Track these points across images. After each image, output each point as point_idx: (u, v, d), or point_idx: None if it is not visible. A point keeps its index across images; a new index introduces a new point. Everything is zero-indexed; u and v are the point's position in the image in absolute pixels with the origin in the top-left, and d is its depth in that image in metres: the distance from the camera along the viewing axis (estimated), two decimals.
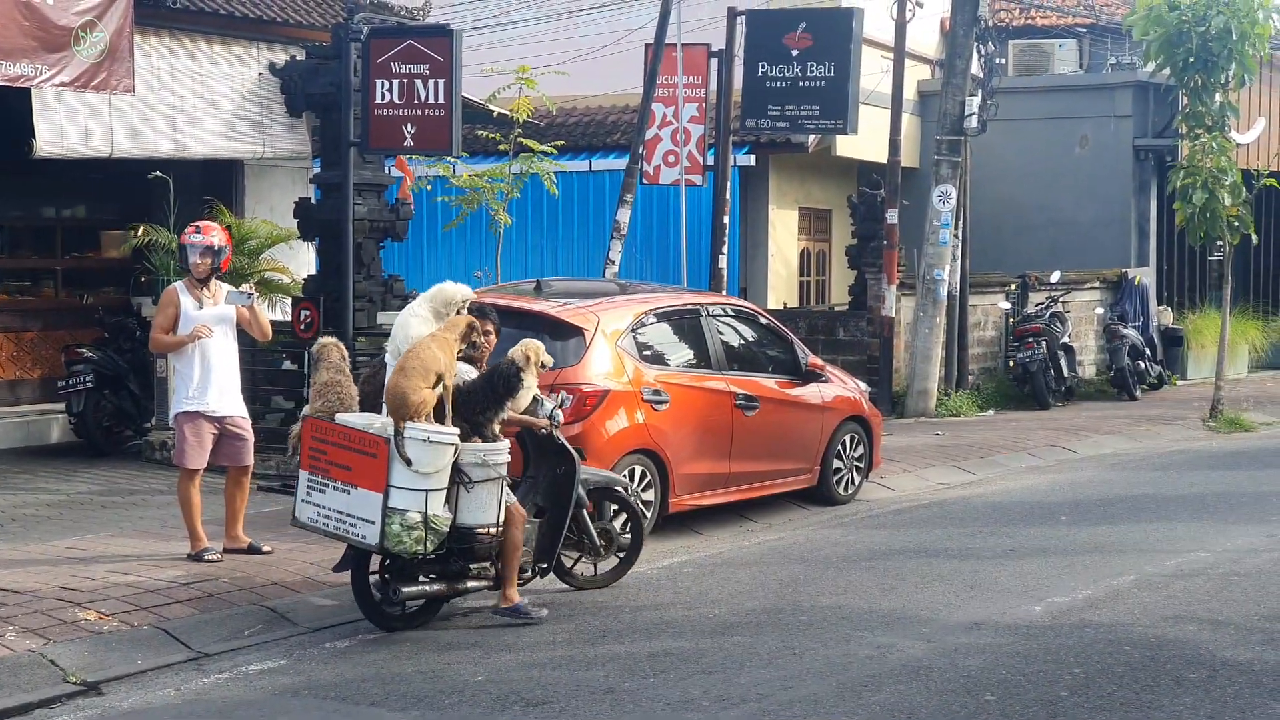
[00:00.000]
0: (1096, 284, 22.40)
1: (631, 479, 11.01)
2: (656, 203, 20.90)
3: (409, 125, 12.60)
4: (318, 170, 14.67)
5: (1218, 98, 18.49)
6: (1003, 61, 22.88)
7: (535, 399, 9.14)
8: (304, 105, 14.30)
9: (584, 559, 9.81)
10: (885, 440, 14.77)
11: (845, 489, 13.13)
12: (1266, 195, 20.26)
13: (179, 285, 10.08)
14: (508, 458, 8.76)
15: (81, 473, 13.64)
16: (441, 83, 12.39)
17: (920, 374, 18.90)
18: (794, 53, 17.64)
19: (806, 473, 12.78)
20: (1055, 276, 21.17)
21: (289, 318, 13.97)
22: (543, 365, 8.97)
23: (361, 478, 8.44)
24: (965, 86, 18.95)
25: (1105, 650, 8.23)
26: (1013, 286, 21.12)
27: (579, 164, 21.73)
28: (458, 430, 8.52)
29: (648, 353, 11.58)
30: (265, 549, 10.01)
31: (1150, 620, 8.88)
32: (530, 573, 9.34)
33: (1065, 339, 20.55)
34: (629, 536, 9.94)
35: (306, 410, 9.00)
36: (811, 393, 12.78)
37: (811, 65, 17.68)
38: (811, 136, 20.73)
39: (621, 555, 9.92)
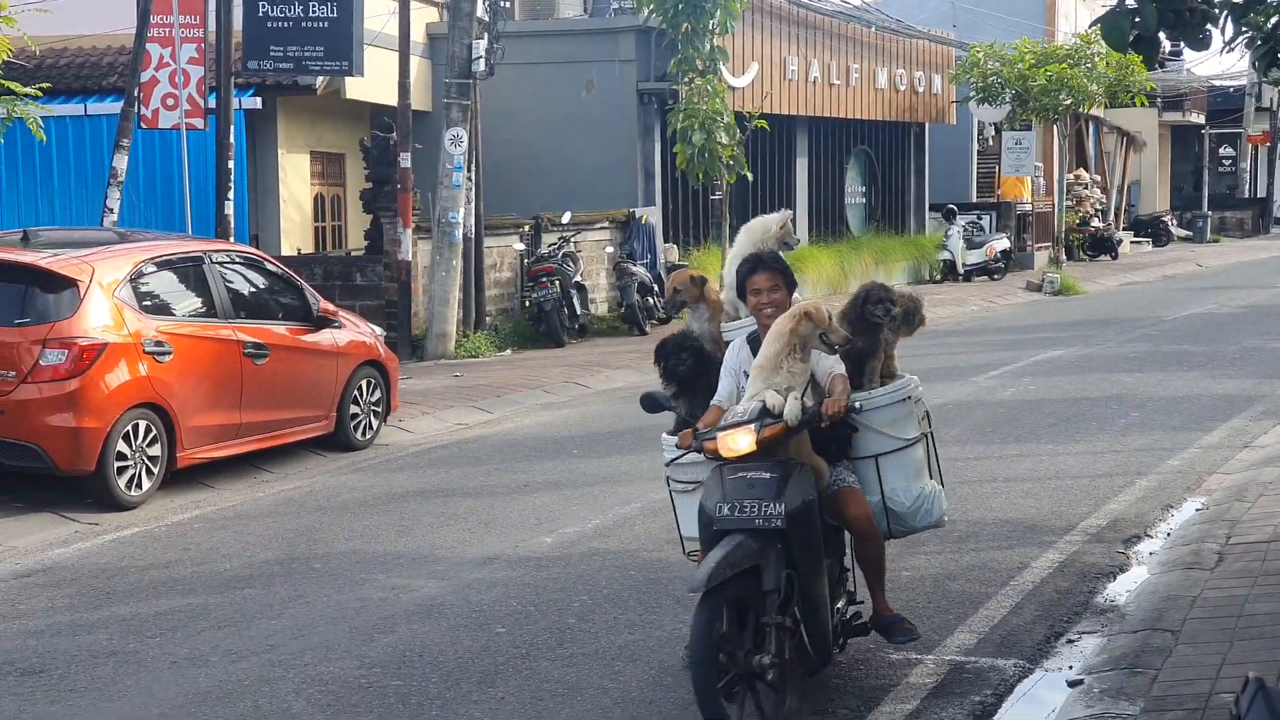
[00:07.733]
0: (606, 224, 23.00)
1: (136, 434, 10.66)
2: (159, 148, 20.02)
3: None
4: None
5: (709, 43, 19.28)
6: (508, 5, 23.08)
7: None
8: None
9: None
10: (404, 384, 14.80)
11: (363, 434, 13.08)
12: (760, 136, 21.27)
13: None
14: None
15: None
16: None
17: (438, 317, 18.97)
18: None
19: (323, 419, 12.65)
20: (566, 217, 21.60)
21: None
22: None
23: None
24: (472, 29, 19.03)
25: (612, 576, 8.55)
26: (527, 228, 21.43)
27: (73, 108, 20.54)
28: None
29: (149, 303, 11.15)
30: None
31: (654, 544, 9.27)
32: None
33: (578, 278, 21.05)
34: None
35: None
36: (325, 339, 12.66)
37: (314, 5, 17.34)
38: (319, 79, 20.36)
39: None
